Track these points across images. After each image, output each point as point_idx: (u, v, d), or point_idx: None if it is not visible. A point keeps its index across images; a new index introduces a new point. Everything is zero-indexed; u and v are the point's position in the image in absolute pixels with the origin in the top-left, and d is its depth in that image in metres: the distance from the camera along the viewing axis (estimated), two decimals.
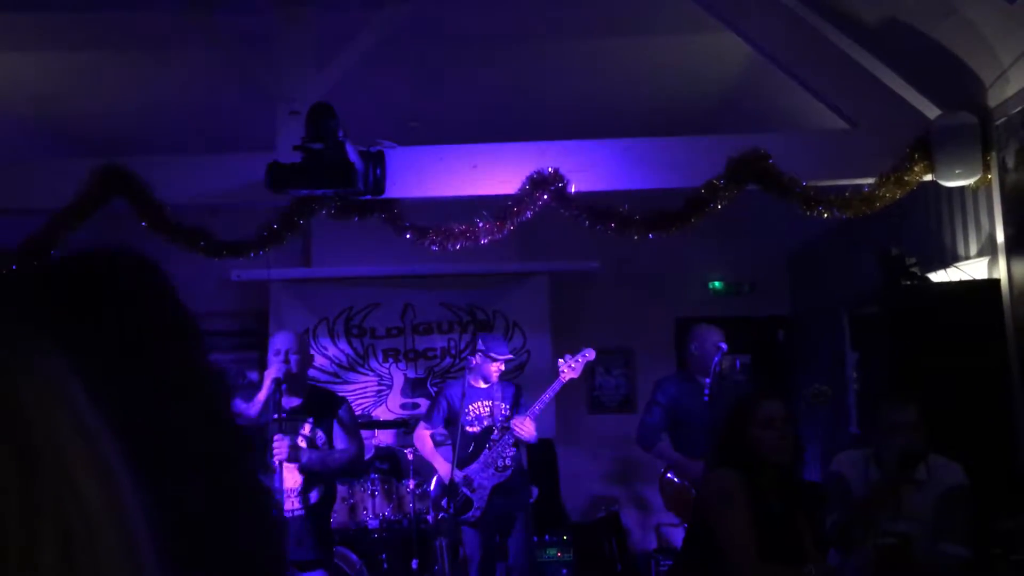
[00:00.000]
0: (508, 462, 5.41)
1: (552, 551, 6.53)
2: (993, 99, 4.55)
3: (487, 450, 5.36)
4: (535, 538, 6.60)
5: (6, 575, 0.44)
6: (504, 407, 5.44)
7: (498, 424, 5.40)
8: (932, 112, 4.78)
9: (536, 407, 5.36)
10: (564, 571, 6.51)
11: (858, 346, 5.44)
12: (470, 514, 5.34)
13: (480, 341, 5.56)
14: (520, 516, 5.47)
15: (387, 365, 7.86)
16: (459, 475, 5.33)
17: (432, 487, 5.60)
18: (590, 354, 5.53)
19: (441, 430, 5.67)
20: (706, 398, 5.48)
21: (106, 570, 0.48)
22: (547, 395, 5.42)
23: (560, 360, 5.54)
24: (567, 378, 5.46)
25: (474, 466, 5.33)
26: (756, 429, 3.17)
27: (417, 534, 5.68)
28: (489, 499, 5.31)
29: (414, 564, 5.63)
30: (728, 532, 3.08)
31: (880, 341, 4.84)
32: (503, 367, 5.44)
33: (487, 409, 5.43)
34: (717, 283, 8.16)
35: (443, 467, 5.43)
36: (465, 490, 5.33)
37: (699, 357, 5.68)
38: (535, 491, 6.94)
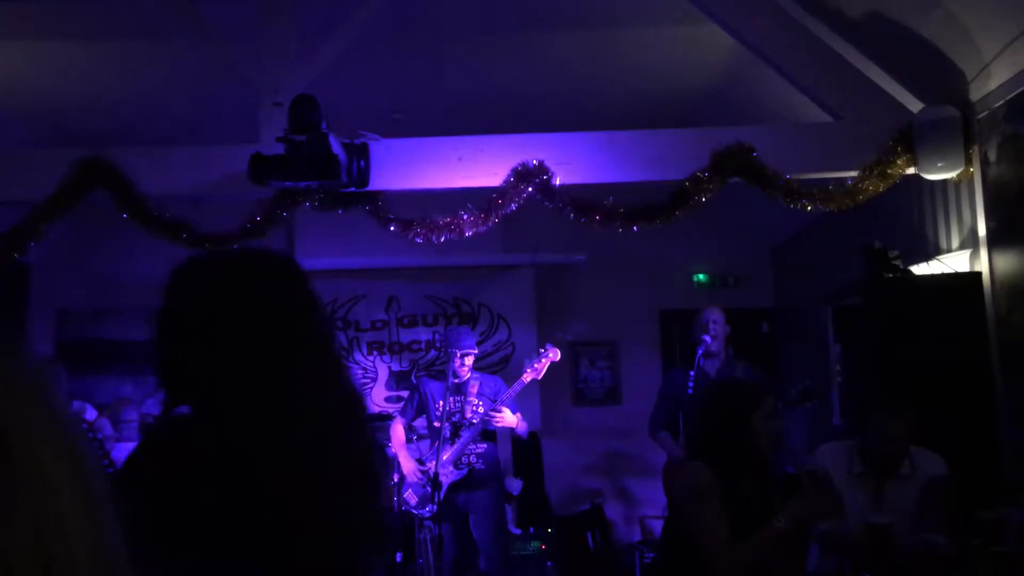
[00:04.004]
0: (471, 459, 5.40)
1: (536, 543, 6.54)
2: (975, 93, 4.57)
3: (450, 445, 5.35)
4: (519, 531, 6.60)
5: None
6: (477, 403, 5.42)
7: (466, 421, 5.39)
8: (915, 105, 4.80)
9: (504, 398, 5.37)
10: (548, 563, 6.52)
11: (841, 338, 5.46)
12: (427, 509, 5.33)
13: (447, 335, 5.54)
14: (482, 511, 5.42)
15: (371, 358, 7.84)
16: (420, 472, 5.35)
17: (395, 479, 5.60)
18: (553, 354, 5.48)
19: (417, 423, 5.70)
20: (690, 390, 5.47)
21: (80, 568, 0.47)
22: (511, 391, 5.41)
23: (527, 360, 5.53)
24: (528, 379, 5.44)
25: (439, 460, 5.28)
26: (758, 421, 3.15)
27: (401, 528, 5.67)
28: (447, 495, 5.27)
29: (398, 557, 5.63)
30: (701, 525, 3.08)
31: (863, 333, 4.86)
32: (467, 361, 5.39)
33: (458, 405, 5.41)
34: (701, 276, 8.19)
35: (405, 463, 5.46)
36: (428, 487, 5.30)
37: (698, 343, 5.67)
38: (519, 484, 6.95)
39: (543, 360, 5.46)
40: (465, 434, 5.36)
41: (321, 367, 1.50)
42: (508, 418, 5.31)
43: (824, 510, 3.26)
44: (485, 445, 5.50)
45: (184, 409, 1.43)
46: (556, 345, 5.58)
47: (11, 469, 0.46)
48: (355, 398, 1.57)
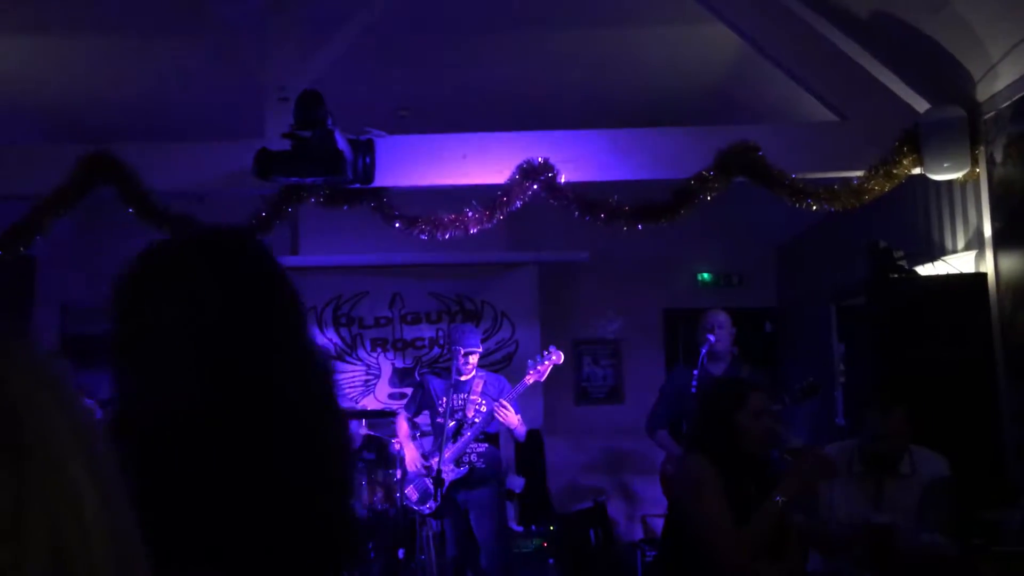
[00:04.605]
0: (472, 458, 5.40)
1: (538, 541, 6.54)
2: (982, 93, 4.56)
3: (452, 443, 5.35)
4: (520, 528, 6.60)
5: None
6: (481, 402, 5.42)
7: (468, 420, 5.39)
8: (921, 105, 4.79)
9: (506, 399, 5.36)
10: (550, 561, 6.52)
11: (845, 338, 5.46)
12: (427, 506, 5.35)
13: (451, 332, 5.52)
14: (482, 509, 5.43)
15: (375, 354, 7.85)
16: (423, 466, 5.36)
17: (398, 475, 5.61)
18: (556, 357, 5.46)
19: (420, 419, 5.71)
20: (693, 389, 5.47)
21: (97, 564, 0.47)
22: (514, 392, 5.41)
23: (530, 361, 5.51)
24: (531, 381, 5.43)
25: (441, 458, 5.29)
26: (744, 418, 3.16)
27: (404, 523, 5.68)
28: (448, 492, 5.29)
29: (400, 554, 5.63)
30: (703, 516, 3.09)
31: (867, 333, 4.86)
32: (471, 359, 5.41)
33: (461, 402, 5.42)
34: (705, 275, 8.18)
35: (409, 453, 5.47)
36: (428, 481, 5.33)
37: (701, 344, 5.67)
38: (521, 481, 6.95)
39: (546, 363, 5.44)
40: (467, 432, 5.36)
41: (299, 366, 1.34)
42: (511, 416, 5.31)
43: (817, 473, 3.25)
44: (486, 445, 5.50)
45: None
46: (566, 343, 5.58)
47: (25, 453, 0.46)
48: (331, 386, 1.43)
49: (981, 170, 4.60)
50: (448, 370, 5.48)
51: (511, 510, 6.64)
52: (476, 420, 5.37)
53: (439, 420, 5.39)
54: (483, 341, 6.59)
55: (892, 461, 3.73)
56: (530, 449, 7.07)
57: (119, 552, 0.48)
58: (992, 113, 4.51)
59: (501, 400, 5.32)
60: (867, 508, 3.68)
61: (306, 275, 7.80)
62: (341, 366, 7.80)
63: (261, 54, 4.97)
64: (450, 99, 6.39)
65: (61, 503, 0.46)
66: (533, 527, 6.62)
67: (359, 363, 7.83)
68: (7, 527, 0.44)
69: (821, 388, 5.33)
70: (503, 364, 7.55)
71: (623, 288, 7.89)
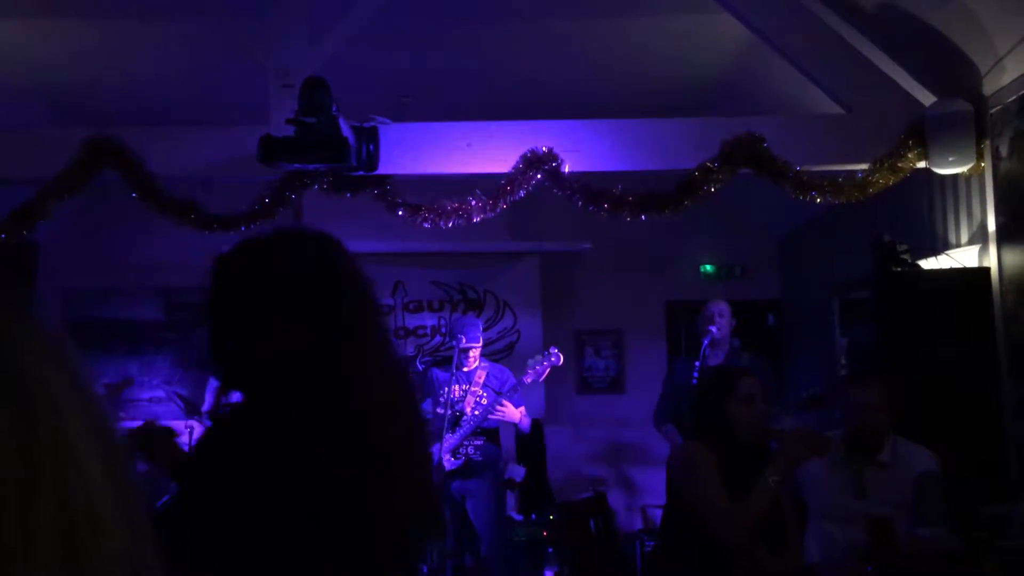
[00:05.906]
0: (469, 451, 5.41)
1: (537, 530, 6.55)
2: (988, 87, 4.55)
3: (450, 434, 5.36)
4: (520, 517, 6.61)
5: (3, 538, 0.43)
6: (482, 394, 5.42)
7: (467, 414, 5.39)
8: (927, 99, 4.78)
9: (506, 395, 5.37)
10: (549, 549, 6.53)
11: (848, 331, 5.46)
12: None
13: (452, 324, 5.51)
14: (479, 498, 5.44)
15: None
16: None
17: None
18: (556, 359, 5.43)
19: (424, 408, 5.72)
20: (694, 381, 5.47)
21: (104, 537, 0.47)
22: (510, 392, 5.42)
23: (531, 360, 5.49)
24: (529, 381, 5.41)
25: (440, 446, 5.29)
26: (734, 405, 3.17)
27: None
28: (444, 481, 5.30)
29: None
30: (699, 493, 3.09)
31: (870, 327, 4.86)
32: (473, 353, 5.41)
33: (462, 393, 5.42)
34: (708, 266, 8.16)
35: None
36: None
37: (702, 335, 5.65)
38: (522, 470, 6.96)
39: (545, 363, 5.41)
40: (465, 426, 5.37)
41: (361, 347, 1.52)
42: (511, 413, 5.31)
43: (808, 447, 3.24)
44: (483, 439, 5.49)
45: (236, 397, 1.52)
46: (568, 333, 5.58)
47: (35, 430, 0.46)
48: (400, 374, 1.62)
49: (986, 164, 4.59)
50: (449, 359, 5.48)
51: (511, 499, 6.64)
52: (476, 413, 5.37)
53: (439, 410, 5.40)
54: (485, 330, 6.58)
55: (873, 448, 3.72)
56: (531, 438, 7.08)
57: (123, 522, 0.48)
58: (998, 107, 4.50)
59: (501, 400, 5.32)
60: (847, 497, 3.68)
61: None
62: None
63: (266, 39, 4.95)
64: (454, 86, 6.38)
65: (68, 468, 0.46)
66: (533, 516, 6.63)
67: None
68: (17, 492, 0.44)
69: (826, 401, 5.33)
70: (505, 354, 7.56)
71: (626, 279, 7.88)
